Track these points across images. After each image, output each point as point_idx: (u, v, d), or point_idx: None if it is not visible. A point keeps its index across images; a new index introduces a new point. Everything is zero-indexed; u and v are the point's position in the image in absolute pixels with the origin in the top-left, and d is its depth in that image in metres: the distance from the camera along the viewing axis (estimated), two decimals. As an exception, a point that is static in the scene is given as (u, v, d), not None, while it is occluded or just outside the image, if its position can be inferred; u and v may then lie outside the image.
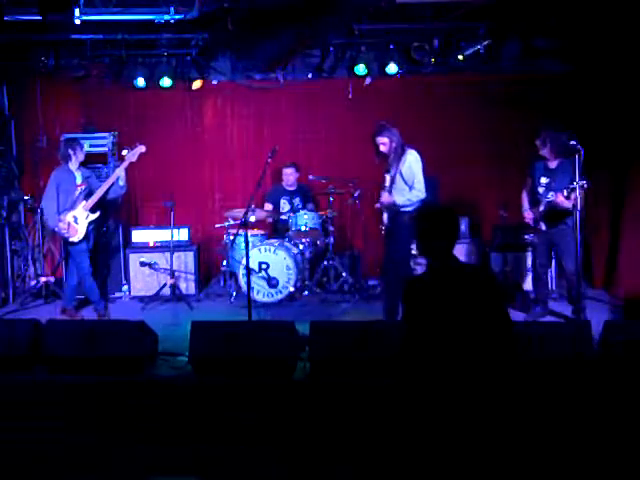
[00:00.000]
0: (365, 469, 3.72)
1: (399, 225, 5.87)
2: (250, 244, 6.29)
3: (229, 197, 8.30)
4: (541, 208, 5.93)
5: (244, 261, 6.40)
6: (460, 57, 7.35)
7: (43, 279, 7.61)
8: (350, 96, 8.01)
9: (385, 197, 5.84)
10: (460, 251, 7.16)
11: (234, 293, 7.30)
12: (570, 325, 5.66)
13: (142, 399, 4.64)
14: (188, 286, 7.66)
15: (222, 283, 7.78)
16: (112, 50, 7.49)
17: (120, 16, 6.34)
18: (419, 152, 5.91)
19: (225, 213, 7.45)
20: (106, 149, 7.57)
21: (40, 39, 7.21)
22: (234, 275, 7.34)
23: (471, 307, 2.91)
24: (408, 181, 5.74)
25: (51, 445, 4.06)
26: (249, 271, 5.98)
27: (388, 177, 6.00)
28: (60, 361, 5.07)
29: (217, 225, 7.57)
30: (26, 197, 7.98)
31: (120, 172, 6.57)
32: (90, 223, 6.50)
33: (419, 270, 7.01)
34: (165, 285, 7.40)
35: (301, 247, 7.35)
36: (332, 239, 7.42)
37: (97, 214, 6.52)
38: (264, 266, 7.01)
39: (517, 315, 6.24)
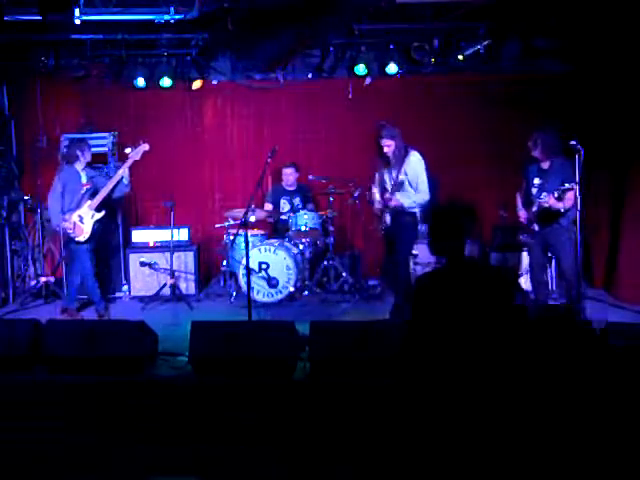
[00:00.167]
0: (365, 469, 3.72)
1: (402, 226, 5.90)
2: (250, 244, 6.29)
3: (229, 197, 8.31)
4: (534, 209, 5.96)
5: (244, 261, 6.40)
6: (460, 57, 7.36)
7: (43, 279, 7.61)
8: (350, 96, 8.01)
9: (394, 200, 5.84)
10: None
11: (234, 293, 7.30)
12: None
13: (142, 399, 4.64)
14: (188, 286, 7.66)
15: (222, 283, 7.78)
16: (112, 50, 7.50)
17: (120, 16, 6.34)
18: (419, 152, 5.92)
19: (225, 213, 7.46)
20: (106, 149, 7.57)
21: (40, 39, 7.22)
22: (234, 275, 7.34)
23: (482, 306, 2.88)
24: (413, 183, 5.76)
25: (51, 445, 4.06)
26: (249, 271, 5.98)
27: (387, 178, 6.01)
28: (60, 361, 5.06)
29: (217, 225, 7.58)
30: (26, 197, 7.98)
31: (124, 171, 6.57)
32: (95, 222, 6.51)
33: (419, 270, 7.04)
34: (165, 285, 7.40)
35: (301, 247, 7.35)
36: (332, 239, 7.42)
37: (102, 213, 6.54)
38: (264, 266, 7.01)
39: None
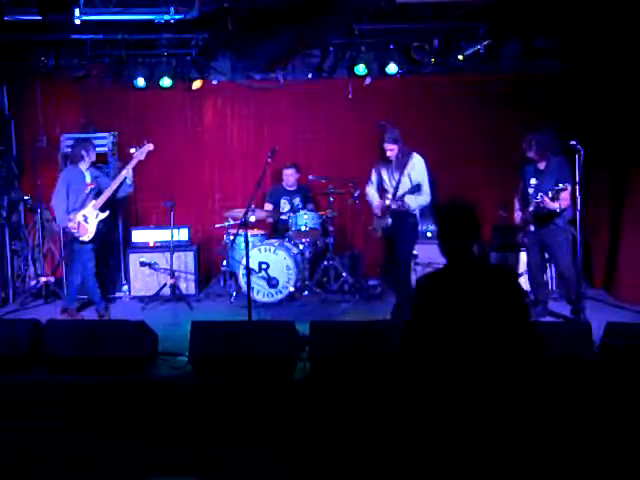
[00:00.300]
0: (365, 469, 3.72)
1: (403, 226, 5.90)
2: (250, 244, 6.29)
3: (229, 197, 8.31)
4: (530, 209, 5.97)
5: (244, 261, 6.40)
6: (460, 57, 7.36)
7: (43, 279, 7.61)
8: (350, 96, 8.01)
9: (405, 203, 5.82)
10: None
11: (234, 293, 7.30)
12: (570, 326, 5.66)
13: (142, 399, 4.64)
14: (188, 286, 7.66)
15: (222, 283, 7.78)
16: (112, 50, 7.50)
17: (120, 16, 6.34)
18: (419, 152, 5.93)
19: (225, 213, 7.45)
20: (106, 149, 7.57)
21: (40, 39, 7.22)
22: (234, 275, 7.34)
23: (486, 307, 2.86)
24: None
25: (51, 445, 4.06)
26: (249, 271, 5.98)
27: (388, 179, 6.01)
28: (60, 361, 5.06)
29: (217, 225, 7.58)
30: (26, 197, 7.98)
31: (128, 171, 6.58)
32: (99, 222, 6.51)
33: (419, 270, 7.04)
34: (165, 285, 7.39)
35: (301, 247, 7.36)
36: (332, 239, 7.42)
37: (107, 213, 6.54)
38: (264, 266, 7.01)
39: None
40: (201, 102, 8.28)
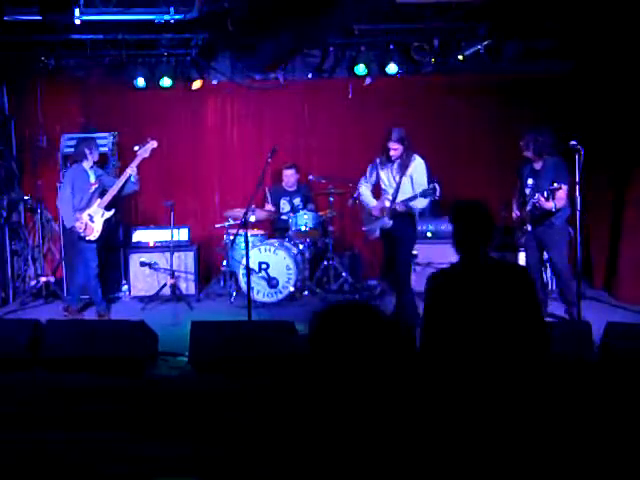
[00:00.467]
0: (366, 469, 3.71)
1: (403, 226, 5.90)
2: (250, 244, 6.29)
3: (229, 197, 8.30)
4: (527, 208, 5.98)
5: (244, 261, 6.40)
6: (460, 57, 7.35)
7: (43, 279, 7.61)
8: (350, 96, 8.01)
9: (402, 206, 5.81)
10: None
11: (234, 293, 7.30)
12: (570, 325, 5.66)
13: (142, 399, 4.64)
14: (188, 286, 7.66)
15: (222, 283, 7.78)
16: (112, 50, 7.49)
17: (120, 16, 6.33)
18: (419, 153, 5.92)
19: (225, 213, 7.45)
20: (106, 149, 7.56)
21: (40, 39, 7.21)
22: (234, 275, 7.34)
23: (496, 304, 2.86)
24: (417, 187, 5.77)
25: (51, 445, 4.06)
26: (249, 271, 5.98)
27: (386, 179, 6.00)
28: (60, 361, 5.06)
29: (217, 225, 7.57)
30: (26, 197, 7.98)
31: (133, 169, 6.57)
32: (105, 221, 6.51)
33: (419, 270, 7.04)
34: (165, 285, 7.39)
35: (301, 247, 7.36)
36: (332, 239, 7.43)
37: (112, 212, 6.55)
38: (264, 266, 7.01)
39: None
40: (201, 102, 8.27)
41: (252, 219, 7.00)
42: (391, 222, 5.94)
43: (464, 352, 2.84)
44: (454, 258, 3.19)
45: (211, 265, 8.29)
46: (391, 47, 7.48)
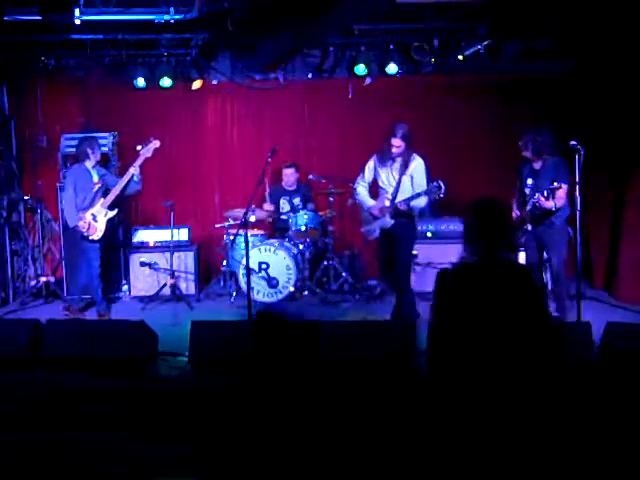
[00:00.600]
0: (368, 469, 3.71)
1: (403, 226, 5.90)
2: (250, 244, 6.29)
3: (229, 197, 8.30)
4: (527, 208, 5.98)
5: (244, 261, 6.40)
6: (460, 57, 7.36)
7: (43, 279, 7.61)
8: (350, 96, 8.01)
9: (404, 205, 5.80)
10: (459, 251, 7.16)
11: (234, 293, 7.30)
12: (570, 325, 5.65)
13: (142, 399, 4.64)
14: (188, 286, 7.66)
15: (222, 283, 7.78)
16: (112, 50, 7.50)
17: (120, 16, 6.33)
18: (419, 153, 5.93)
19: (225, 213, 7.46)
20: (106, 149, 7.56)
21: (40, 39, 7.21)
22: (234, 275, 7.34)
23: (504, 302, 2.85)
24: (417, 186, 5.76)
25: (51, 445, 4.06)
26: (249, 271, 5.98)
27: (385, 178, 5.99)
28: (60, 361, 5.06)
29: (217, 225, 7.58)
30: (26, 197, 7.98)
31: (136, 168, 6.57)
32: (108, 221, 6.51)
33: (419, 270, 7.04)
34: (165, 285, 7.39)
35: (301, 247, 7.36)
36: (332, 239, 7.43)
37: (115, 211, 6.56)
38: (264, 266, 7.01)
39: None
40: (201, 102, 8.28)
41: (252, 219, 7.00)
42: (392, 221, 5.93)
43: (479, 354, 2.83)
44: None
45: (211, 265, 8.29)
46: (391, 47, 7.48)
